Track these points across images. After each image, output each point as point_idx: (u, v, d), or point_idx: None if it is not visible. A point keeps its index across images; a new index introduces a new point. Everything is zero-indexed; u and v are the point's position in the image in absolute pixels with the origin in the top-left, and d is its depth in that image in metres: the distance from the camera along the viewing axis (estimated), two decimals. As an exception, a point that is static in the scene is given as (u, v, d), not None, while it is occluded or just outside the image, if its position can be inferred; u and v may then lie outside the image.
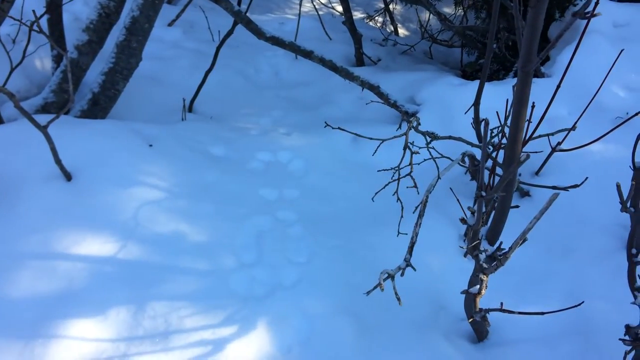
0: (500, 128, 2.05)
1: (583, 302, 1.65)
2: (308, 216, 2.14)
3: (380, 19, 4.64)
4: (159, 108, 3.11)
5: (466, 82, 2.90)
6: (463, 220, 1.32)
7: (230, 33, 2.89)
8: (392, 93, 2.92)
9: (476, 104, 2.12)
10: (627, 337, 1.44)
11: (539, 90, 2.70)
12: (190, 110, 3.13)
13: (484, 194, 1.24)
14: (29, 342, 1.59)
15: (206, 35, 3.97)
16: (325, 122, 2.28)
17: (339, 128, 2.18)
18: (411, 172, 1.83)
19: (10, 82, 2.81)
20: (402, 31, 4.88)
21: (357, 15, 5.54)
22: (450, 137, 2.01)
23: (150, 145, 2.35)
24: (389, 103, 2.86)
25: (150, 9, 2.69)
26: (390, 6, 4.55)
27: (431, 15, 3.97)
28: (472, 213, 1.31)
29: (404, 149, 1.81)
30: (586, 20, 1.05)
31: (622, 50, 2.34)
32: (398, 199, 1.91)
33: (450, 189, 2.16)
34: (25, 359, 1.56)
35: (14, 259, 1.81)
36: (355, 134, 2.21)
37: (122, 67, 2.72)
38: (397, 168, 1.99)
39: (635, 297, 1.47)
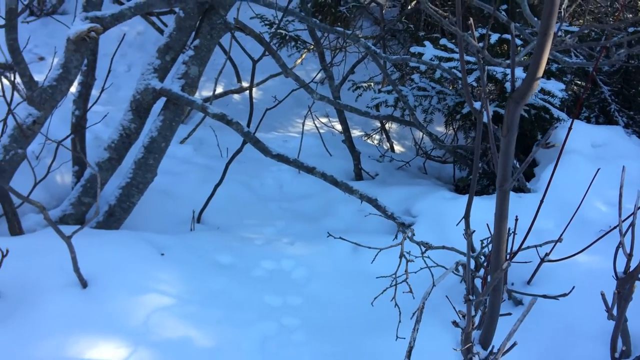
0: (489, 239, 2.21)
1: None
2: (311, 322, 2.24)
3: (377, 137, 4.96)
4: (170, 219, 3.29)
5: (458, 196, 3.11)
6: (455, 323, 1.44)
7: (239, 151, 3.14)
8: (389, 205, 3.11)
9: (466, 216, 2.29)
10: None
11: (525, 204, 2.90)
12: (198, 221, 3.30)
13: (472, 297, 1.37)
14: None
15: (215, 151, 4.25)
16: (328, 233, 2.44)
17: (340, 238, 2.33)
18: (407, 278, 1.96)
19: (32, 195, 3.02)
20: (397, 147, 5.20)
21: (356, 133, 5.91)
22: (443, 247, 2.17)
23: (162, 254, 2.49)
24: (386, 215, 3.04)
25: (168, 129, 2.96)
26: (387, 126, 4.89)
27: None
28: (463, 317, 1.43)
29: (400, 257, 1.95)
30: (566, 142, 1.24)
31: (598, 170, 2.58)
32: (396, 304, 2.02)
33: (447, 296, 2.27)
34: None
35: (27, 363, 1.89)
36: (355, 243, 2.36)
37: (138, 181, 2.94)
38: (394, 275, 2.12)
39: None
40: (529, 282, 2.57)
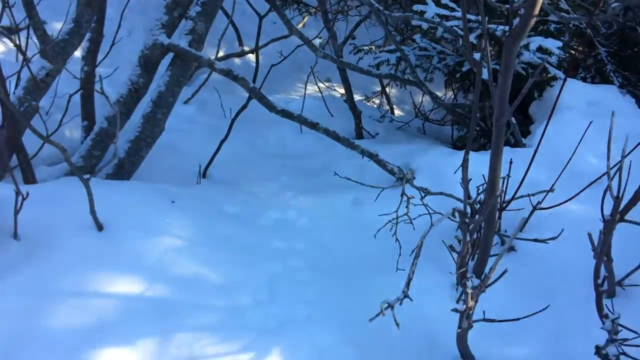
0: (484, 185, 2.32)
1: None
2: (315, 263, 2.37)
3: (377, 100, 5.05)
4: (177, 173, 3.40)
5: (456, 151, 3.23)
6: (452, 247, 1.56)
7: (244, 107, 3.24)
8: (390, 161, 3.23)
9: (464, 164, 2.40)
10: (597, 358, 1.64)
11: (521, 157, 3.01)
12: (204, 176, 3.41)
13: (467, 221, 1.49)
14: (66, 366, 1.77)
15: (219, 111, 4.34)
16: (334, 172, 2.53)
17: (346, 178, 2.43)
18: (407, 212, 2.08)
19: (43, 149, 3.12)
20: (397, 111, 5.29)
21: (356, 97, 5.99)
22: (441, 193, 2.29)
23: (173, 202, 2.61)
24: (386, 169, 3.15)
25: (175, 84, 3.05)
26: (387, 89, 4.97)
27: (424, 97, 4.36)
28: (459, 241, 1.55)
29: (401, 195, 2.07)
30: (559, 97, 1.33)
31: (590, 122, 2.69)
32: (397, 239, 2.15)
33: (443, 241, 2.40)
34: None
35: (51, 296, 2.01)
36: (359, 183, 2.47)
37: (146, 135, 3.03)
38: (395, 212, 2.25)
39: (603, 322, 1.68)
40: (521, 230, 2.70)
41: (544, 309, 2.00)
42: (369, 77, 4.12)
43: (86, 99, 3.25)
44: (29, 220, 2.32)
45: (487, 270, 1.73)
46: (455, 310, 1.65)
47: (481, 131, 3.49)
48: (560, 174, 2.65)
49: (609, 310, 1.71)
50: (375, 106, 5.04)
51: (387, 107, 4.92)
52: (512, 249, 2.64)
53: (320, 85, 4.66)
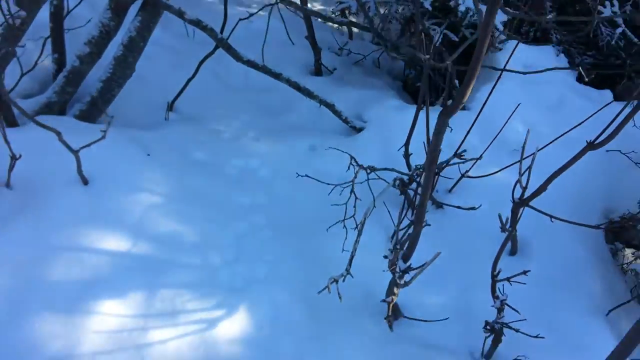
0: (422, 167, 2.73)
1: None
2: (275, 221, 2.79)
3: (335, 26, 5.16)
4: (144, 106, 3.62)
5: (405, 105, 3.57)
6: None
7: (211, 53, 3.41)
8: (344, 109, 3.55)
9: (407, 144, 2.79)
10: (487, 327, 2.21)
11: (458, 120, 3.39)
12: (171, 109, 3.64)
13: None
14: (70, 315, 2.18)
15: (181, 30, 4.41)
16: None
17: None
18: (353, 189, 2.47)
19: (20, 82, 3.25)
20: (356, 31, 5.44)
21: (316, 6, 6.03)
22: (385, 169, 2.69)
23: (148, 155, 2.90)
24: (341, 118, 3.49)
25: (146, 30, 3.18)
26: (347, 13, 5.07)
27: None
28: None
29: (350, 164, 2.45)
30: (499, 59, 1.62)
31: (518, 105, 3.05)
32: (354, 206, 2.55)
33: (383, 202, 2.85)
34: (69, 327, 2.14)
35: (49, 250, 2.36)
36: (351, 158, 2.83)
37: (118, 76, 3.22)
38: (349, 184, 2.65)
39: (494, 301, 2.22)
40: (450, 191, 3.18)
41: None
42: None
43: (56, 32, 3.32)
44: (18, 171, 2.57)
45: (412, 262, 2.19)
46: (384, 300, 2.12)
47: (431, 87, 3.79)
48: (490, 144, 3.07)
49: (499, 292, 2.24)
50: (335, 28, 5.17)
51: (345, 30, 5.06)
52: (440, 206, 3.12)
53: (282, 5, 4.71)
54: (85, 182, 2.63)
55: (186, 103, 3.71)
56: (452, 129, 2.98)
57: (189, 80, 3.54)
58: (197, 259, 2.47)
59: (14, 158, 2.43)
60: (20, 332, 2.08)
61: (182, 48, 4.19)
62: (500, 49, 3.58)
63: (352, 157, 2.52)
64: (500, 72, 3.19)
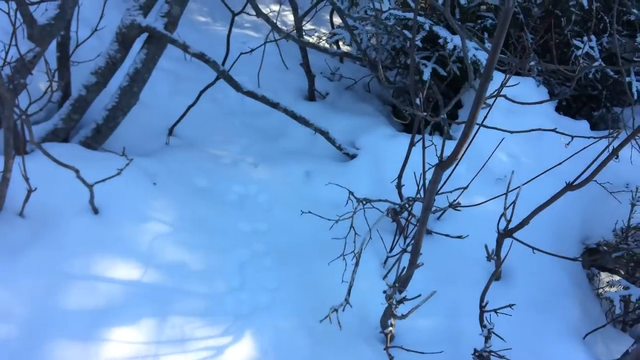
0: (413, 198, 2.91)
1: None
2: (276, 248, 2.95)
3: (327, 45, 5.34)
4: (146, 130, 3.75)
5: (396, 134, 3.76)
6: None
7: (212, 84, 3.56)
8: (337, 135, 3.74)
9: (399, 176, 2.98)
10: (476, 355, 2.40)
11: (446, 148, 3.60)
12: (171, 133, 3.78)
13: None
14: (85, 343, 2.31)
15: (180, 54, 4.54)
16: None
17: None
18: (352, 224, 2.65)
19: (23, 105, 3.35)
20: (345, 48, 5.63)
21: (307, 26, 6.21)
22: (379, 200, 2.87)
23: (154, 184, 3.04)
24: (335, 145, 3.67)
25: (151, 62, 3.32)
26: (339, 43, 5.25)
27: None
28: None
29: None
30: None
31: (502, 140, 3.25)
32: (354, 241, 2.73)
33: (377, 230, 3.03)
34: (84, 355, 2.28)
35: (63, 279, 2.49)
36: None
37: (123, 105, 3.35)
38: (347, 218, 2.82)
39: (482, 330, 2.42)
40: (438, 218, 3.37)
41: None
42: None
43: (62, 62, 3.44)
44: (31, 200, 2.71)
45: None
46: (383, 332, 2.29)
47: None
48: (477, 174, 3.27)
49: (487, 320, 2.43)
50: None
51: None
52: (429, 232, 3.31)
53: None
54: (95, 211, 2.77)
55: (186, 128, 3.85)
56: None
57: (190, 107, 3.69)
58: (204, 286, 2.62)
59: (30, 191, 2.56)
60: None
61: (182, 72, 4.33)
62: (489, 106, 3.79)
63: (350, 193, 2.69)
64: (492, 102, 3.39)
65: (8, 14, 2.79)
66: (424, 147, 2.78)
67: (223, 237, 2.93)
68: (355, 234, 2.64)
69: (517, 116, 3.76)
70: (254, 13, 3.51)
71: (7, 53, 2.93)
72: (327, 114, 4.12)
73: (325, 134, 3.63)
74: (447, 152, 3.34)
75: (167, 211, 2.91)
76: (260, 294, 2.67)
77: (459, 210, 3.17)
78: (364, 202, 2.75)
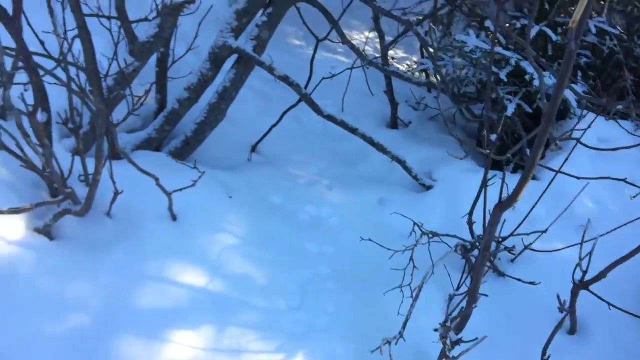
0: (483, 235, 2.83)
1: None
2: (339, 272, 2.98)
3: (417, 74, 5.34)
4: (231, 145, 3.95)
5: (476, 168, 3.68)
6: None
7: (294, 105, 3.69)
8: (415, 165, 3.72)
9: (470, 212, 2.91)
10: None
11: (528, 190, 3.46)
12: (254, 150, 3.94)
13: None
14: (150, 341, 2.44)
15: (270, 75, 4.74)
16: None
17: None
18: (412, 256, 2.62)
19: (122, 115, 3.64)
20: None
21: (399, 53, 6.25)
22: (447, 235, 2.82)
23: (230, 197, 3.19)
24: (411, 175, 3.66)
25: (238, 81, 3.50)
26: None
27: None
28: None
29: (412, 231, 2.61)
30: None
31: (587, 184, 3.08)
32: (412, 274, 2.71)
33: (444, 264, 2.97)
34: (148, 352, 2.42)
35: (138, 278, 2.66)
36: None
37: (211, 120, 3.55)
38: (404, 247, 2.81)
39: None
40: (512, 261, 3.25)
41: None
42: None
43: (160, 76, 3.71)
44: (117, 201, 2.92)
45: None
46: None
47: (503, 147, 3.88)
48: (558, 217, 3.13)
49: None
50: (416, 76, 5.35)
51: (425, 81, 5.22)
52: (501, 274, 3.20)
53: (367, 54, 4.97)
54: (174, 218, 2.94)
55: (268, 145, 4.00)
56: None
57: (273, 126, 3.84)
58: (264, 301, 2.69)
59: (116, 193, 2.77)
60: (105, 350, 2.36)
61: (270, 92, 4.51)
62: (560, 147, 3.64)
63: (414, 223, 2.67)
64: (575, 143, 3.25)
65: (110, 29, 3.06)
66: (485, 185, 2.72)
67: (289, 255, 3.00)
68: (414, 267, 2.61)
69: (605, 160, 3.56)
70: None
71: (109, 66, 3.21)
72: (407, 142, 4.12)
73: (401, 162, 3.63)
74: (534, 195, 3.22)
75: (239, 224, 3.04)
76: (318, 316, 2.70)
77: (534, 251, 3.05)
78: (430, 235, 2.72)
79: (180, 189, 2.71)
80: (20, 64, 2.30)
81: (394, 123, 4.47)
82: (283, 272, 2.88)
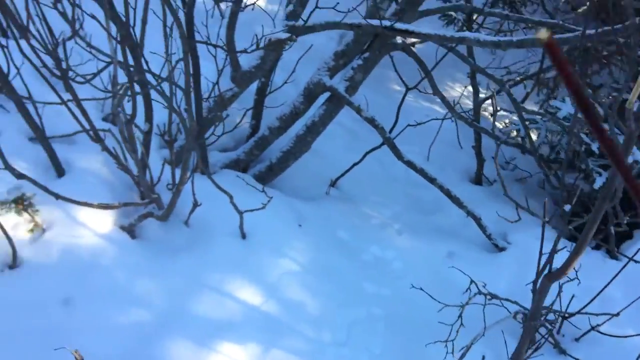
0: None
1: None
2: (392, 316, 2.99)
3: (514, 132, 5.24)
4: (312, 177, 4.09)
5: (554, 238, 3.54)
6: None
7: (377, 147, 3.78)
8: (491, 224, 3.65)
9: (535, 281, 2.82)
10: None
11: (605, 269, 3.28)
12: (333, 185, 4.06)
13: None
14: (199, 348, 2.59)
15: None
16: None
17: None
18: (461, 314, 2.58)
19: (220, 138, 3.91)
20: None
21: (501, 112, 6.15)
22: (507, 300, 2.75)
23: (300, 225, 3.32)
24: (485, 233, 3.60)
25: (327, 118, 3.66)
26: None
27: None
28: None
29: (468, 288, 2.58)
30: None
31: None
32: (457, 330, 2.67)
33: (502, 331, 2.89)
34: (196, 358, 2.56)
35: (200, 286, 2.83)
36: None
37: (296, 151, 3.73)
38: (462, 303, 2.77)
39: None
40: (577, 339, 3.08)
41: None
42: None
43: (258, 103, 3.97)
44: (196, 213, 3.14)
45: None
46: None
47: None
48: (631, 303, 2.94)
49: None
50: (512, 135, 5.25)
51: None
52: (563, 352, 3.04)
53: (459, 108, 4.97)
54: (243, 236, 3.11)
55: (349, 182, 4.10)
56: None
57: (355, 164, 3.94)
58: (312, 331, 2.76)
59: (195, 204, 2.99)
60: (159, 350, 2.53)
61: (359, 131, 4.64)
62: None
63: (472, 281, 2.64)
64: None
65: (215, 56, 3.34)
66: (540, 254, 2.64)
67: (346, 291, 3.05)
68: (461, 324, 2.56)
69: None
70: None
71: (212, 90, 3.49)
72: (488, 200, 4.05)
73: (477, 219, 3.59)
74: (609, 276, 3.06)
75: (303, 253, 3.14)
76: (362, 355, 2.72)
77: (601, 333, 2.88)
78: (489, 297, 2.67)
79: (252, 210, 2.87)
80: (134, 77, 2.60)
81: (478, 179, 4.42)
82: (336, 306, 2.93)
